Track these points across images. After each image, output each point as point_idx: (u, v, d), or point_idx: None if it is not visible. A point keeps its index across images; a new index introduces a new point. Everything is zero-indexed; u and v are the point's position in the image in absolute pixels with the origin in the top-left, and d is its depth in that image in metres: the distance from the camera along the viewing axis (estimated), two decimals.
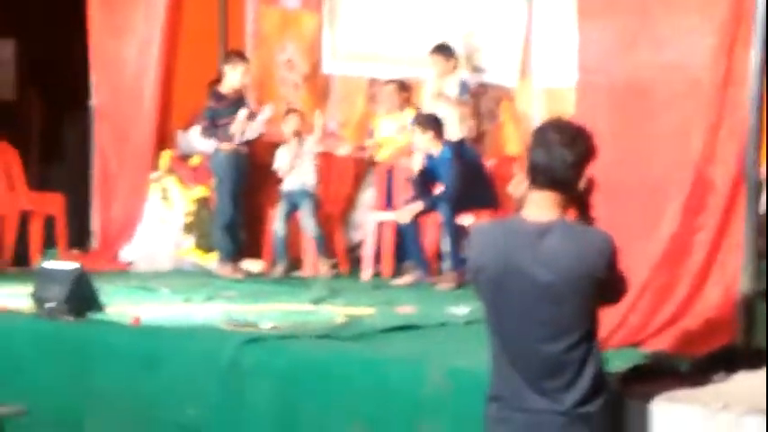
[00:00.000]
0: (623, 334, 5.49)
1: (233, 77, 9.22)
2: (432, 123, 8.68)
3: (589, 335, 3.91)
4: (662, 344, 5.44)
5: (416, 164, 8.79)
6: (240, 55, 9.51)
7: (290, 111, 9.55)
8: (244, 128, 9.13)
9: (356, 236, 9.98)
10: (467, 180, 8.54)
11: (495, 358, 4.00)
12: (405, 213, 8.66)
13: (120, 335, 6.27)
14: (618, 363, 4.92)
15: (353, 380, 5.43)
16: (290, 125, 9.29)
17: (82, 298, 6.49)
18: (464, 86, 9.09)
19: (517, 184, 5.82)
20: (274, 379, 5.63)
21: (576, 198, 3.98)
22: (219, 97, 9.21)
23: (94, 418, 6.17)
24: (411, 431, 5.20)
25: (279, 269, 9.13)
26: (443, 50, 9.11)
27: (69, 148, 12.44)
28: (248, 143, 9.23)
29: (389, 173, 9.44)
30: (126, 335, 6.26)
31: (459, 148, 8.70)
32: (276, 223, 9.18)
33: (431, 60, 9.10)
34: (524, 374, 3.91)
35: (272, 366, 5.67)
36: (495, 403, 3.98)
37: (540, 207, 3.90)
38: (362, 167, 10.04)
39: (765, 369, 4.96)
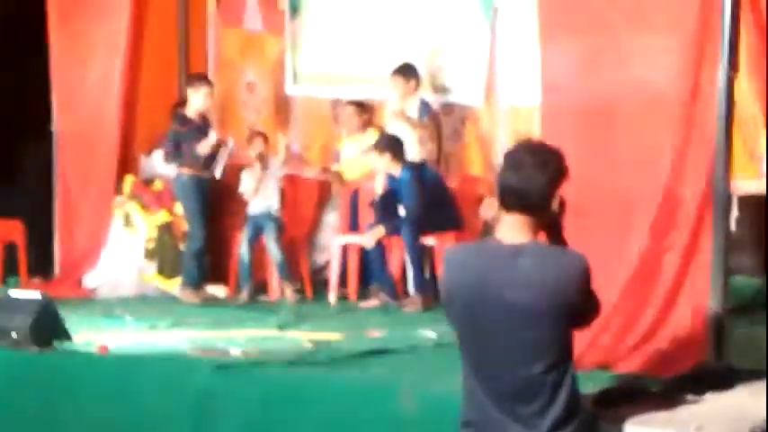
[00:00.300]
0: (594, 356, 5.49)
1: (197, 100, 9.18)
2: (388, 145, 8.65)
3: (563, 358, 3.89)
4: (633, 365, 5.44)
5: (378, 186, 8.78)
6: (203, 78, 9.49)
7: (254, 134, 9.51)
8: (214, 151, 9.07)
9: (320, 258, 9.93)
10: (429, 201, 8.53)
11: (468, 383, 3.95)
12: (369, 238, 8.64)
13: (87, 364, 6.19)
14: (589, 385, 4.89)
15: (325, 406, 5.39)
16: (254, 148, 9.25)
17: (47, 327, 6.40)
18: (424, 108, 9.06)
19: (487, 207, 5.83)
20: (246, 405, 5.58)
21: (548, 220, 3.97)
22: (184, 121, 9.16)
23: None
24: None
25: (244, 294, 9.07)
26: (403, 71, 9.09)
27: (26, 175, 12.32)
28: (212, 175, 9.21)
29: (354, 195, 9.41)
30: (94, 364, 6.18)
31: (419, 170, 8.69)
32: (242, 247, 9.13)
33: (391, 82, 9.09)
34: (498, 399, 3.87)
35: (244, 393, 5.62)
36: (467, 429, 3.94)
37: (513, 229, 3.88)
38: (326, 190, 10.01)
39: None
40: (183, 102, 10.12)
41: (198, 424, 5.66)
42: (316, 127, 10.26)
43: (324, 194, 9.98)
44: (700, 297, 5.41)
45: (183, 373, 5.83)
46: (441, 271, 4.09)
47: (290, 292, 9.01)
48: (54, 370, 6.24)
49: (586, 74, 5.64)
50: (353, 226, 9.28)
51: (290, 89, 10.30)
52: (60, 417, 6.13)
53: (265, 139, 9.41)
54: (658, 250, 5.43)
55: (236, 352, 6.32)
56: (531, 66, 8.46)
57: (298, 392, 5.52)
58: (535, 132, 8.62)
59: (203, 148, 9.04)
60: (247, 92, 10.49)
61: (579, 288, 3.84)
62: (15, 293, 6.89)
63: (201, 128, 9.15)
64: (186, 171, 9.09)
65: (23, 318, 6.36)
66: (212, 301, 8.95)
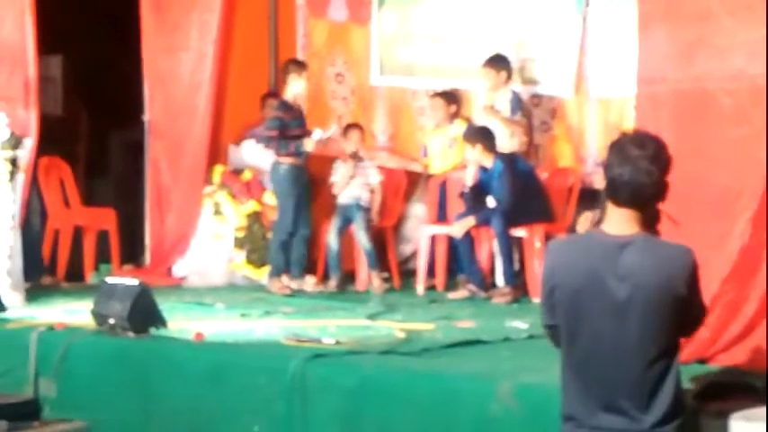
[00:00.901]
0: (692, 349, 5.41)
1: (298, 86, 9.11)
2: (480, 136, 8.62)
3: (669, 352, 3.85)
4: (731, 360, 5.37)
5: (469, 177, 8.75)
6: (303, 63, 9.43)
7: (350, 126, 9.54)
8: (317, 147, 9.07)
9: (406, 249, 9.95)
10: (520, 193, 8.49)
11: (570, 376, 3.93)
12: (458, 227, 8.62)
13: (183, 351, 6.25)
14: (688, 378, 4.85)
15: (419, 396, 5.37)
16: (351, 140, 9.28)
17: (144, 314, 6.48)
18: (516, 101, 8.98)
19: (584, 222, 5.80)
20: (339, 395, 5.59)
21: (652, 212, 3.93)
22: (287, 107, 9.08)
23: None
24: None
25: (332, 283, 9.11)
26: (495, 63, 9.03)
27: (118, 164, 12.53)
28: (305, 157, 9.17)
29: (442, 186, 9.41)
30: (189, 351, 6.24)
31: (511, 161, 8.65)
32: (330, 237, 9.17)
33: (482, 73, 9.05)
34: (601, 393, 3.85)
35: (337, 382, 5.63)
36: (569, 422, 3.92)
37: (621, 222, 3.85)
38: (413, 181, 10.03)
39: None
40: (273, 92, 10.21)
41: (292, 412, 5.68)
42: (401, 118, 10.28)
43: (410, 185, 10.00)
44: None
45: (278, 361, 5.84)
46: (543, 263, 4.05)
47: (378, 282, 9.03)
48: (150, 356, 6.30)
49: (685, 65, 5.56)
50: (441, 217, 9.28)
51: (375, 80, 10.30)
52: (155, 403, 6.20)
53: (361, 131, 9.44)
54: (760, 243, 5.34)
55: (329, 341, 6.34)
56: (622, 57, 8.44)
57: (392, 382, 5.52)
58: (627, 124, 8.60)
59: (310, 145, 8.97)
60: (336, 82, 10.51)
61: (687, 282, 3.81)
62: (113, 280, 6.98)
63: (301, 115, 9.13)
64: (286, 160, 9.03)
65: (121, 304, 6.45)
66: (297, 292, 8.93)
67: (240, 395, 5.88)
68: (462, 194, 8.81)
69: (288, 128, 8.99)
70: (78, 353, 6.49)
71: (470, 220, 8.56)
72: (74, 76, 12.28)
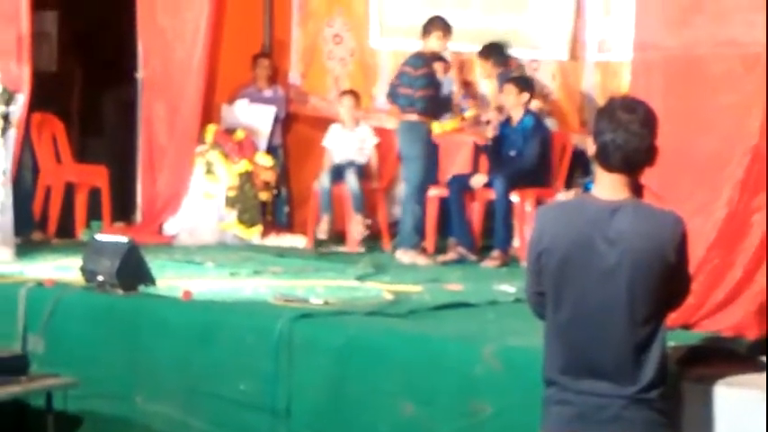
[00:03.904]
0: (676, 315, 5.40)
1: (438, 45, 8.64)
2: (529, 87, 8.59)
3: (656, 320, 3.87)
4: (714, 326, 5.39)
5: (491, 131, 8.71)
6: (449, 26, 8.71)
7: (345, 93, 9.53)
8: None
9: (398, 211, 9.96)
10: (540, 156, 8.48)
11: (554, 341, 3.95)
12: (478, 178, 8.58)
13: (171, 309, 6.26)
14: (671, 344, 4.87)
15: (406, 357, 5.39)
16: (344, 106, 9.27)
17: (133, 271, 6.50)
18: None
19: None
20: (326, 355, 5.61)
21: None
22: (429, 63, 8.59)
23: (145, 391, 6.18)
24: (462, 409, 5.16)
25: (324, 224, 9.08)
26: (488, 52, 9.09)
27: (108, 121, 12.49)
28: None
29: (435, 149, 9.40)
30: (177, 309, 6.26)
31: (540, 119, 8.64)
32: (322, 179, 9.17)
33: (479, 62, 9.06)
34: (586, 358, 3.87)
35: (325, 342, 5.65)
36: (554, 386, 3.94)
37: (611, 187, 3.86)
38: None
39: None
40: (265, 53, 10.19)
41: (278, 371, 5.70)
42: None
43: None
44: None
45: (266, 320, 5.86)
46: (531, 228, 4.06)
47: (359, 227, 8.99)
48: (139, 313, 6.32)
49: (679, 31, 5.55)
50: (433, 179, 9.27)
51: (375, 42, 10.26)
52: (143, 360, 6.23)
53: (356, 97, 9.42)
54: (747, 210, 5.35)
55: (317, 301, 6.36)
56: (619, 20, 8.43)
57: (378, 343, 5.54)
58: (623, 87, 8.60)
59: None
60: (333, 43, 10.45)
61: (676, 247, 3.82)
62: (102, 237, 6.99)
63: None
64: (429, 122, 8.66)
65: (110, 261, 6.46)
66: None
67: (227, 353, 5.91)
68: (485, 147, 8.76)
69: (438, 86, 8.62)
70: (67, 309, 6.51)
71: (483, 177, 8.51)
72: (69, 33, 12.23)
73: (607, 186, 3.88)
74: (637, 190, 3.94)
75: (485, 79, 9.26)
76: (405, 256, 8.44)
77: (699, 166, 5.45)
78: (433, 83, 8.48)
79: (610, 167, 3.87)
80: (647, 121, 3.88)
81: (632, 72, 5.90)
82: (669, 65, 5.59)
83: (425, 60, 8.50)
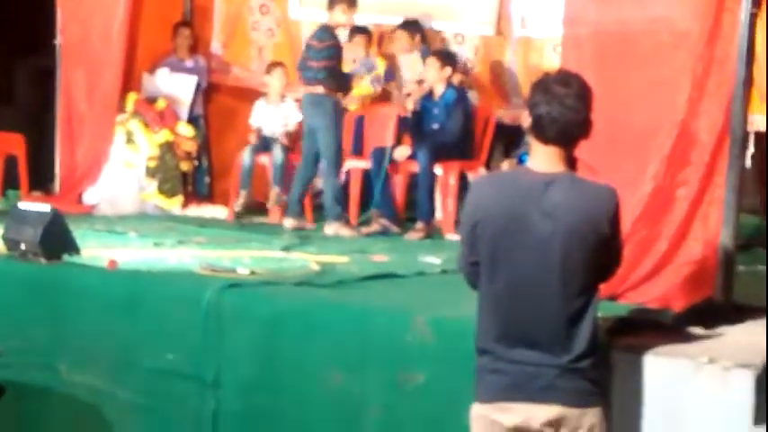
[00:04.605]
0: (604, 286, 5.51)
1: (343, 18, 8.55)
2: (453, 61, 8.63)
3: (589, 291, 3.94)
4: (640, 297, 5.48)
5: (410, 104, 8.73)
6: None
7: (274, 64, 9.48)
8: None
9: (318, 183, 9.94)
10: (463, 129, 8.52)
11: (488, 310, 3.99)
12: (402, 150, 8.61)
13: (96, 278, 6.19)
14: (599, 315, 4.94)
15: (334, 327, 5.41)
16: (273, 78, 9.21)
17: (56, 240, 6.39)
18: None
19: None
20: (254, 325, 5.60)
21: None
22: (335, 36, 8.57)
23: (69, 361, 6.10)
24: (391, 379, 5.20)
25: (240, 200, 9.08)
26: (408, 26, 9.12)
27: (20, 88, 12.25)
28: None
29: (358, 120, 9.40)
30: (102, 278, 6.18)
31: (462, 93, 8.68)
32: (244, 154, 9.15)
33: (396, 36, 9.07)
34: (520, 328, 3.92)
35: (253, 312, 5.64)
36: (487, 355, 3.99)
37: (546, 160, 3.91)
38: None
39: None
40: (186, 21, 10.09)
41: (206, 341, 5.68)
42: None
43: None
44: (711, 233, 5.44)
45: (194, 290, 5.82)
46: (466, 200, 4.08)
47: (275, 198, 8.98)
48: (63, 283, 6.23)
49: (608, 6, 5.62)
50: (356, 150, 9.28)
51: (294, 12, 10.20)
52: (68, 329, 6.15)
53: (284, 68, 9.37)
54: (672, 184, 5.45)
55: (243, 271, 6.33)
56: None
57: (307, 313, 5.55)
58: (544, 65, 8.67)
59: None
60: (260, 13, 10.34)
61: (610, 220, 3.89)
62: (24, 206, 6.87)
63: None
64: (338, 95, 8.63)
65: (33, 230, 6.34)
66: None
67: (154, 323, 5.87)
68: (405, 119, 8.77)
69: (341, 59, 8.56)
70: None
71: (407, 149, 8.54)
72: None
73: (542, 159, 3.92)
74: (571, 163, 3.99)
75: (406, 53, 9.27)
76: (329, 228, 8.44)
77: (627, 140, 5.54)
78: (335, 55, 8.47)
79: (545, 140, 3.91)
80: (582, 94, 3.93)
81: (563, 46, 5.99)
82: (598, 40, 5.66)
83: (330, 33, 8.51)
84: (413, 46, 9.30)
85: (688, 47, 5.36)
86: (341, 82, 8.57)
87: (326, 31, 8.51)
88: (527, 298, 3.90)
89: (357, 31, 9.45)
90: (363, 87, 9.34)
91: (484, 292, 4.01)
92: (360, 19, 9.15)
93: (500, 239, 3.91)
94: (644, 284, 5.52)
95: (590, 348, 3.91)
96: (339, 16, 8.52)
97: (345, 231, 8.38)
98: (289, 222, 8.65)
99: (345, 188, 8.90)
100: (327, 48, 8.44)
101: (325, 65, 8.42)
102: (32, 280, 6.31)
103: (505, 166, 8.60)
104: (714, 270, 5.44)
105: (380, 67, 9.44)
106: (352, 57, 9.49)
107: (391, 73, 9.45)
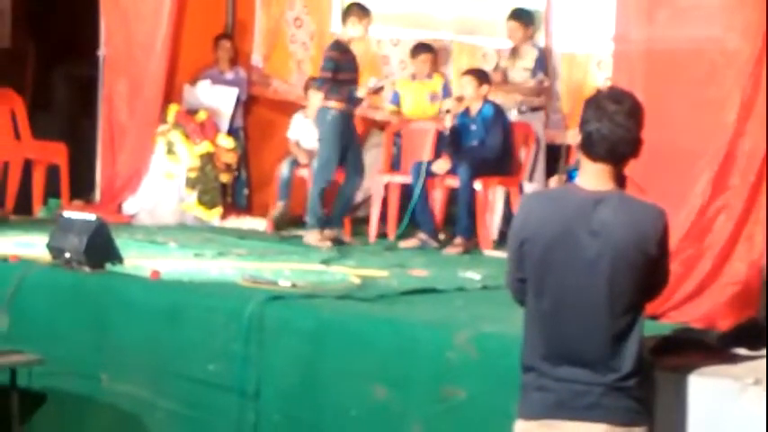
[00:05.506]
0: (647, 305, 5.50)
1: (355, 30, 8.61)
2: (487, 78, 8.68)
3: (635, 310, 3.91)
4: (683, 317, 5.45)
5: (449, 120, 8.73)
6: (365, 9, 8.70)
7: (311, 80, 9.50)
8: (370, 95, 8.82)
9: (356, 197, 9.96)
10: (502, 145, 8.52)
11: (534, 328, 3.97)
12: (441, 164, 8.59)
13: (139, 288, 6.23)
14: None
15: (377, 341, 5.40)
16: (314, 97, 9.22)
17: (101, 249, 6.45)
18: (541, 61, 9.07)
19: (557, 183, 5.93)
20: (297, 337, 5.61)
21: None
22: (342, 49, 8.59)
23: (111, 370, 6.14)
24: (434, 394, 5.18)
25: (278, 210, 9.11)
26: (520, 17, 9.11)
27: (62, 98, 12.35)
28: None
29: (396, 135, 9.43)
30: (146, 288, 6.22)
31: (501, 110, 8.70)
32: (283, 166, 9.20)
33: (508, 26, 9.05)
34: (566, 346, 3.90)
35: (295, 325, 5.64)
36: (532, 372, 3.97)
37: (596, 178, 3.89)
38: (366, 129, 10.02)
39: None
40: (227, 34, 10.16)
41: (248, 353, 5.69)
42: (364, 66, 10.19)
43: (365, 132, 9.99)
44: (756, 253, 5.41)
45: (236, 301, 5.84)
46: (515, 216, 4.09)
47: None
48: (106, 291, 6.28)
49: (657, 25, 5.61)
50: (395, 166, 9.29)
51: (336, 27, 10.20)
52: (110, 339, 6.19)
53: None
54: (718, 203, 5.43)
55: (285, 284, 6.35)
56: (587, 13, 8.50)
57: (350, 327, 5.54)
58: (591, 80, 8.68)
59: (363, 92, 8.61)
60: (295, 27, 10.40)
61: (658, 240, 3.87)
62: (70, 214, 6.93)
63: (354, 60, 8.70)
64: (335, 105, 8.51)
65: (77, 239, 6.41)
66: (337, 245, 8.49)
67: (196, 334, 5.88)
68: (443, 136, 8.78)
69: (341, 71, 8.51)
70: (33, 286, 6.45)
71: (447, 163, 8.55)
72: (24, 9, 12.08)
73: (591, 176, 3.91)
74: (620, 181, 3.98)
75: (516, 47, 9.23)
76: (308, 236, 8.49)
77: (674, 159, 5.51)
78: (331, 68, 8.47)
79: (594, 157, 3.89)
80: (633, 112, 3.92)
81: (614, 64, 5.97)
82: (648, 58, 5.64)
83: (333, 46, 8.60)
84: None
85: (738, 66, 5.33)
86: (338, 93, 8.51)
87: (332, 44, 8.64)
88: (573, 317, 3.89)
89: (422, 48, 9.45)
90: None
91: (531, 309, 4.00)
92: (406, 33, 9.16)
93: (547, 257, 3.90)
94: (687, 304, 5.49)
95: (636, 367, 3.90)
96: (351, 30, 8.59)
97: (317, 241, 8.38)
98: (309, 237, 8.52)
99: (384, 202, 8.91)
100: (325, 60, 8.54)
101: (322, 75, 8.55)
102: (76, 288, 6.37)
103: (554, 182, 8.57)
104: (758, 290, 5.40)
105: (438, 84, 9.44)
106: (416, 72, 9.53)
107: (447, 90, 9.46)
